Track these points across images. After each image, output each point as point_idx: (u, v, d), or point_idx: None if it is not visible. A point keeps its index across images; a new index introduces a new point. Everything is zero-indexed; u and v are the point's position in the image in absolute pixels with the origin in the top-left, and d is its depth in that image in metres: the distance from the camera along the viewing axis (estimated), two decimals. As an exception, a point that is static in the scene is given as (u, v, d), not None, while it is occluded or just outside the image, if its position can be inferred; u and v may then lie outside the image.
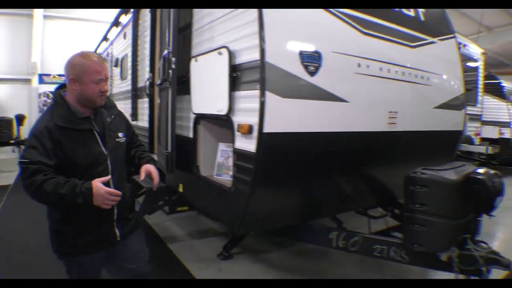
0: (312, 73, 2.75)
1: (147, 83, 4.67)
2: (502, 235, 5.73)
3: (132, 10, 5.66)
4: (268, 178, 2.74)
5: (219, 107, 2.96)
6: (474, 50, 8.49)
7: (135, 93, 5.47)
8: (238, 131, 2.79)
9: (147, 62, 4.85)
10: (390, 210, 4.09)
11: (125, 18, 6.54)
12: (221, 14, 3.10)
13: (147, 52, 4.88)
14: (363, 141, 3.24)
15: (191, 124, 3.58)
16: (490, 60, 19.58)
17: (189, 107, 3.54)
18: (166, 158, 3.58)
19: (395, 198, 3.95)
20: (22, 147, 9.67)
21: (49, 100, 12.84)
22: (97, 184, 1.92)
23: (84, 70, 2.00)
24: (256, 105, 2.56)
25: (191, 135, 3.60)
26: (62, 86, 2.19)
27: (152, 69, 4.67)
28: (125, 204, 2.24)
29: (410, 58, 3.67)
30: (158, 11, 4.40)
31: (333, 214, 4.18)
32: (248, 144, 2.68)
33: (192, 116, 3.54)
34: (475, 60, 8.59)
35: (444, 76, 4.19)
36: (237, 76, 2.83)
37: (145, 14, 5.04)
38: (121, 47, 6.87)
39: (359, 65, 3.09)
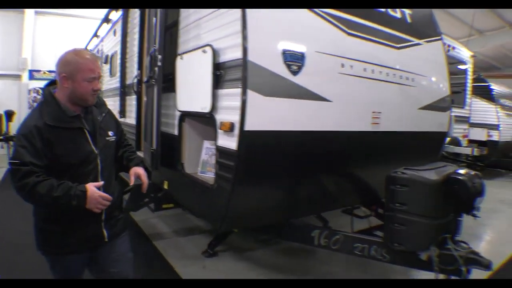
0: (294, 73, 2.77)
1: (135, 80, 4.66)
2: (487, 237, 5.80)
3: (121, 7, 5.65)
4: (250, 176, 2.76)
5: (203, 105, 2.98)
6: (463, 52, 8.57)
7: (123, 90, 5.47)
8: (220, 129, 2.81)
9: (135, 59, 4.85)
10: (374, 209, 4.13)
11: (115, 15, 6.52)
12: (206, 12, 3.12)
13: (135, 49, 4.88)
14: (346, 140, 3.27)
15: (176, 122, 3.59)
16: (482, 63, 19.83)
17: (175, 105, 3.55)
18: (151, 155, 3.59)
19: (378, 197, 3.98)
20: (11, 143, 9.59)
21: (38, 96, 12.76)
22: (92, 187, 1.92)
23: (77, 68, 1.96)
24: (238, 103, 2.58)
25: (176, 132, 3.61)
26: (52, 83, 2.15)
27: (140, 67, 4.67)
28: (114, 204, 2.18)
29: (395, 59, 3.71)
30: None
31: (316, 213, 4.21)
32: (230, 142, 2.70)
33: (177, 114, 3.55)
34: (464, 63, 8.67)
35: (430, 78, 4.24)
36: (220, 74, 2.85)
37: (135, 11, 5.03)
38: (111, 44, 6.85)
39: (342, 65, 3.12)
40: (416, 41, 4.05)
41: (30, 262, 3.46)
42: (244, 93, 2.54)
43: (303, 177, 3.16)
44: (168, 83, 3.64)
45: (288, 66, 2.74)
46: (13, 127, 10.82)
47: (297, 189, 3.20)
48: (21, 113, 11.93)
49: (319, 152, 3.10)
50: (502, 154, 10.78)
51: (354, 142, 3.34)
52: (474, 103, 9.65)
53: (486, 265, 2.73)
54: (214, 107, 2.89)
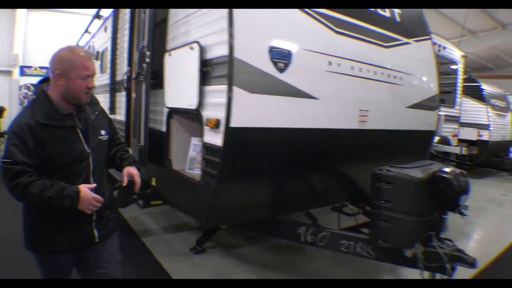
0: (281, 70, 2.78)
1: (125, 76, 4.65)
2: (475, 235, 5.85)
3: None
4: (235, 172, 2.77)
5: (190, 102, 2.98)
6: (454, 52, 8.63)
7: (114, 87, 5.44)
8: (206, 125, 2.82)
9: (125, 55, 4.83)
10: (361, 207, 4.15)
11: (106, 11, 6.49)
12: (194, 9, 3.12)
13: (126, 45, 4.86)
14: (333, 138, 3.29)
15: (164, 118, 3.59)
16: (474, 64, 19.97)
17: (163, 101, 3.55)
18: (139, 152, 3.59)
19: (366, 195, 3.99)
20: (2, 139, 9.53)
21: (30, 93, 12.66)
22: (85, 189, 1.91)
23: (71, 65, 1.93)
24: (224, 100, 2.59)
25: (164, 129, 3.61)
26: (44, 80, 2.11)
27: (130, 63, 4.65)
28: (105, 204, 2.15)
29: (383, 58, 3.73)
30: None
31: (303, 210, 4.24)
32: (216, 138, 2.70)
33: (166, 110, 3.55)
34: (455, 63, 8.73)
35: (418, 77, 4.27)
36: (207, 71, 2.86)
37: (125, 7, 5.01)
38: (102, 41, 6.82)
39: (330, 63, 3.14)
40: (405, 40, 4.08)
41: (30, 262, 3.44)
42: (230, 90, 2.55)
43: (289, 174, 3.17)
44: (157, 79, 3.64)
45: (275, 64, 2.75)
46: (4, 124, 10.75)
47: (283, 186, 3.21)
48: (12, 110, 11.83)
49: (305, 150, 3.11)
50: (492, 154, 10.89)
51: (341, 140, 3.36)
52: (465, 103, 9.73)
53: (471, 263, 2.74)
54: (200, 103, 2.90)
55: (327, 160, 3.44)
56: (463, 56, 8.99)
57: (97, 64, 7.04)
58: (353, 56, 3.36)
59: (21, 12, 12.90)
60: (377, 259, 3.15)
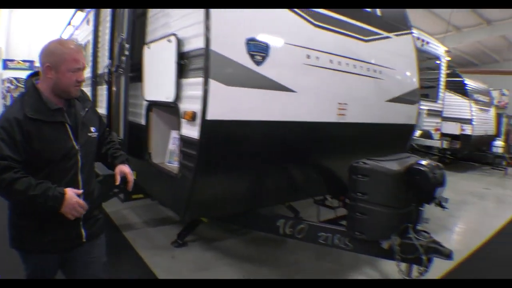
0: (258, 63, 2.79)
1: (106, 70, 4.61)
2: (456, 228, 5.95)
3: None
4: (212, 165, 2.78)
5: (167, 94, 2.97)
6: (438, 47, 8.70)
7: (95, 80, 5.39)
8: (183, 118, 2.82)
9: (107, 48, 4.78)
10: (342, 200, 4.18)
11: (89, 4, 6.41)
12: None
13: (107, 38, 4.81)
14: (311, 131, 3.31)
15: (144, 111, 3.58)
16: (459, 59, 20.19)
17: (142, 94, 3.53)
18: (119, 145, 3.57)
19: (346, 188, 4.03)
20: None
21: (12, 86, 12.49)
22: (71, 192, 1.87)
23: (61, 58, 1.90)
24: (200, 92, 2.59)
25: (143, 122, 3.60)
26: (34, 74, 2.08)
27: (111, 56, 4.61)
28: (94, 203, 2.13)
29: (363, 51, 3.76)
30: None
31: (282, 202, 4.26)
32: (192, 131, 2.71)
33: (145, 103, 3.54)
34: (438, 58, 8.81)
35: (398, 71, 4.30)
36: (184, 64, 2.85)
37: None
38: (85, 34, 6.73)
39: (308, 57, 3.15)
40: (386, 34, 4.11)
41: (15, 262, 3.38)
42: (206, 83, 2.55)
43: (267, 167, 3.19)
44: (137, 72, 3.62)
45: (252, 56, 2.75)
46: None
47: (261, 179, 3.23)
48: (-5, 103, 11.68)
49: (283, 142, 3.13)
50: (475, 148, 11.05)
51: (320, 132, 3.39)
52: (448, 97, 9.83)
53: (447, 254, 2.79)
54: (178, 96, 2.90)
55: (305, 153, 3.46)
56: (446, 51, 9.07)
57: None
58: (332, 50, 3.38)
59: (3, 5, 12.70)
60: (354, 250, 3.19)
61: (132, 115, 3.73)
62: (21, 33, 12.93)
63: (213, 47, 2.57)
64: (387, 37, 4.14)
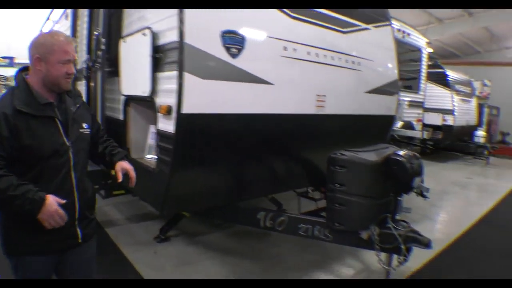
0: (234, 55, 2.78)
1: (84, 65, 4.54)
2: (438, 217, 6.04)
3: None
4: (188, 159, 2.77)
5: (143, 89, 2.95)
6: (419, 39, 8.77)
7: (74, 75, 5.31)
8: (159, 112, 2.80)
9: (85, 42, 4.71)
10: (323, 191, 4.21)
11: (66, -2, 6.29)
12: (147, -6, 3.07)
13: (85, 32, 4.74)
14: (290, 123, 3.32)
15: (121, 106, 3.54)
16: (441, 51, 20.35)
17: (119, 89, 3.49)
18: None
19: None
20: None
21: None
22: (52, 199, 1.79)
23: (51, 49, 1.84)
24: (175, 86, 2.57)
25: (121, 117, 3.56)
26: (25, 69, 2.01)
27: (89, 51, 4.55)
28: (88, 202, 2.08)
29: (341, 43, 3.76)
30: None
31: (262, 195, 4.26)
32: (168, 125, 2.69)
33: (122, 98, 3.50)
34: (419, 49, 8.89)
35: (377, 62, 4.32)
36: (160, 58, 2.83)
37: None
38: (64, 28, 6.61)
39: (285, 49, 3.15)
40: (364, 26, 4.13)
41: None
42: (180, 76, 2.53)
43: (245, 160, 3.19)
44: (114, 67, 3.57)
45: (227, 49, 2.74)
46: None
47: (239, 172, 3.23)
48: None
49: (261, 135, 3.13)
50: (457, 138, 11.22)
51: (298, 125, 3.40)
52: (430, 88, 9.94)
53: (426, 243, 2.82)
54: (154, 90, 2.87)
55: (285, 146, 3.47)
56: (428, 43, 9.16)
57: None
58: (310, 42, 3.38)
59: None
60: (334, 241, 3.21)
61: (110, 110, 3.69)
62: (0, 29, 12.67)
63: (188, 40, 2.55)
64: (366, 29, 4.15)
